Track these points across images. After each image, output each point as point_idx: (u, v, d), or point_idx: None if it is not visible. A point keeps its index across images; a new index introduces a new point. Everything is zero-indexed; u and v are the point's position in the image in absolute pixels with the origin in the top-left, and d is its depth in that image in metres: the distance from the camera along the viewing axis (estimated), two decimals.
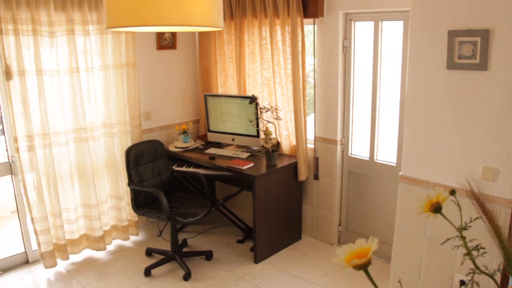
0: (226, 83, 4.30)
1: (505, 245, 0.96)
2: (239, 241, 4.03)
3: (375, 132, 3.52)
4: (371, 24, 3.35)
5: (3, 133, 3.51)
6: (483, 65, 2.27)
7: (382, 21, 3.29)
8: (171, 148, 4.18)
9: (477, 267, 0.97)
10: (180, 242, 3.82)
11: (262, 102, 3.91)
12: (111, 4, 1.55)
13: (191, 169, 3.90)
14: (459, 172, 2.43)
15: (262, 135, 3.80)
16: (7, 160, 3.50)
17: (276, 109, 3.72)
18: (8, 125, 3.37)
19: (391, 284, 2.94)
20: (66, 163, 3.58)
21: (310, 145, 3.86)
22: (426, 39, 2.48)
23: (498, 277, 1.00)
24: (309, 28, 3.67)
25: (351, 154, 3.73)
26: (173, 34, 4.28)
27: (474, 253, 0.98)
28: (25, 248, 3.69)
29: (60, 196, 3.56)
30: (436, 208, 1.01)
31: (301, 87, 3.58)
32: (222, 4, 1.68)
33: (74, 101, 3.52)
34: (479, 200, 0.99)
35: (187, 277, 3.43)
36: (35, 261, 3.70)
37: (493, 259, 1.10)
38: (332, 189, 3.79)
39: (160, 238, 4.10)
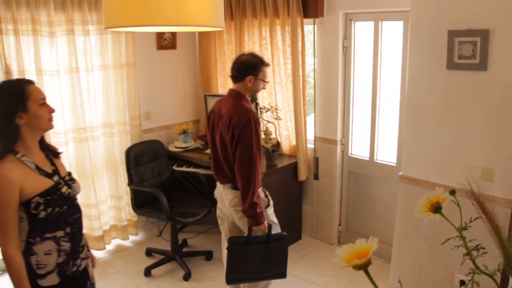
0: (226, 83, 4.30)
1: (505, 245, 0.96)
2: None
3: (375, 132, 3.52)
4: (371, 24, 3.35)
5: None
6: (483, 65, 2.27)
7: (382, 21, 3.29)
8: (171, 148, 4.18)
9: (477, 267, 0.97)
10: (180, 242, 3.82)
11: (262, 102, 3.91)
12: (110, 4, 1.55)
13: (191, 169, 3.90)
14: (459, 172, 2.43)
15: (262, 135, 3.80)
16: None
17: (276, 109, 3.72)
18: None
19: (391, 284, 2.94)
20: (66, 162, 3.57)
21: (310, 145, 3.86)
22: (426, 39, 2.48)
23: (498, 277, 1.00)
24: (309, 28, 3.67)
25: (351, 154, 3.73)
26: (173, 34, 4.28)
27: (474, 253, 0.98)
28: None
29: None
30: (436, 208, 1.01)
31: (301, 87, 3.58)
32: (222, 4, 1.68)
33: (74, 101, 3.52)
34: (479, 200, 0.99)
35: (187, 277, 3.43)
36: None
37: (493, 259, 1.10)
38: (332, 189, 3.79)
39: (160, 238, 4.10)
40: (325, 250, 3.84)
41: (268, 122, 3.77)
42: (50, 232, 1.70)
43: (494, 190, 2.21)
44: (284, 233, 2.67)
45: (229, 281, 2.63)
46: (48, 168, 1.75)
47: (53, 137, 3.45)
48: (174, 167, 3.96)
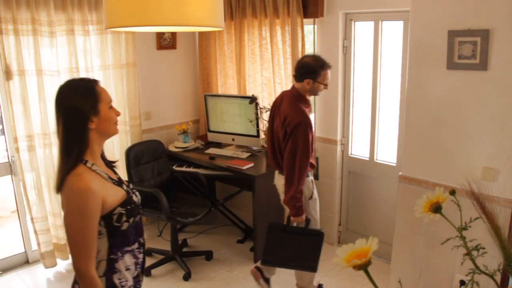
0: (226, 83, 4.30)
1: (505, 245, 0.96)
2: (239, 241, 4.03)
3: (375, 132, 3.52)
4: (371, 24, 3.35)
5: (3, 133, 3.51)
6: (483, 65, 2.27)
7: (382, 21, 3.29)
8: (171, 148, 4.18)
9: (477, 267, 0.97)
10: (180, 242, 3.82)
11: (262, 102, 3.90)
12: (110, 4, 1.55)
13: (191, 169, 3.90)
14: (459, 172, 2.43)
15: (262, 135, 3.80)
16: (7, 160, 3.50)
17: None
18: (8, 125, 3.37)
19: (391, 284, 2.94)
20: None
21: None
22: (426, 39, 2.48)
23: (498, 277, 1.00)
24: (309, 28, 3.66)
25: (351, 154, 3.72)
26: (173, 34, 4.28)
27: (474, 253, 0.98)
28: (25, 248, 3.69)
29: None
30: (436, 208, 1.01)
31: None
32: (222, 4, 1.68)
33: None
34: (479, 200, 0.99)
35: (187, 277, 3.43)
36: (35, 261, 3.70)
37: (493, 259, 1.10)
38: (332, 189, 3.79)
39: (160, 238, 4.10)
40: (325, 250, 3.82)
41: (269, 122, 3.76)
42: (129, 245, 1.57)
43: (494, 190, 2.20)
44: (321, 230, 2.78)
45: (263, 261, 2.80)
46: (114, 177, 1.61)
47: (53, 137, 3.44)
48: (174, 167, 3.96)
